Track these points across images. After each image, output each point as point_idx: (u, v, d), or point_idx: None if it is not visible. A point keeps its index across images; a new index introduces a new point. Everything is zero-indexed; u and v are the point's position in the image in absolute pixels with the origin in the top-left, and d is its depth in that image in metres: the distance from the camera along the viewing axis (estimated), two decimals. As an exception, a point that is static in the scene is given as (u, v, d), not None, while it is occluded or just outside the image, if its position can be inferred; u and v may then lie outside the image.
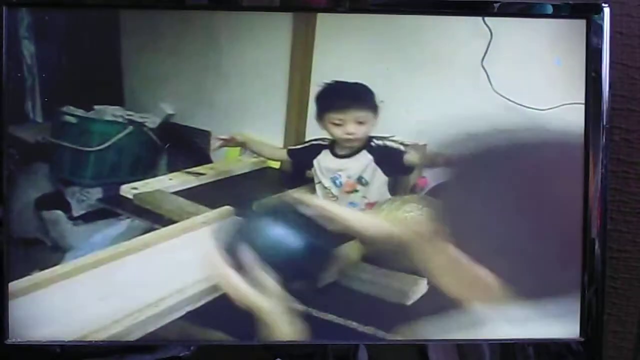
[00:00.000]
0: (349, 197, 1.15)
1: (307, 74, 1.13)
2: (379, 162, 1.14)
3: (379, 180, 1.15)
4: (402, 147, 1.13)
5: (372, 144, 1.14)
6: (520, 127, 1.06)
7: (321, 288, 1.07)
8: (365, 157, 1.15)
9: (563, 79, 1.06)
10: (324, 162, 1.16)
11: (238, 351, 1.05)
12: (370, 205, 1.14)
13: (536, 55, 1.07)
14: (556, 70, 1.06)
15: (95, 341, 1.01)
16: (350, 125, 1.13)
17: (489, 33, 1.06)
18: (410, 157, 1.13)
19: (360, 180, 1.15)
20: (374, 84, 1.09)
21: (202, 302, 1.04)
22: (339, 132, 1.13)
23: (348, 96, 1.11)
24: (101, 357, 1.02)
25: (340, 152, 1.15)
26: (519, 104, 1.07)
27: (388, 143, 1.14)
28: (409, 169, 1.13)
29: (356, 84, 1.09)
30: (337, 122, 1.13)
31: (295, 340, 1.03)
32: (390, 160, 1.14)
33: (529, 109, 1.07)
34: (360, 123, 1.13)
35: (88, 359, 1.02)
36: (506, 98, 1.07)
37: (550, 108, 1.06)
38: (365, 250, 1.10)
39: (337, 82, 1.10)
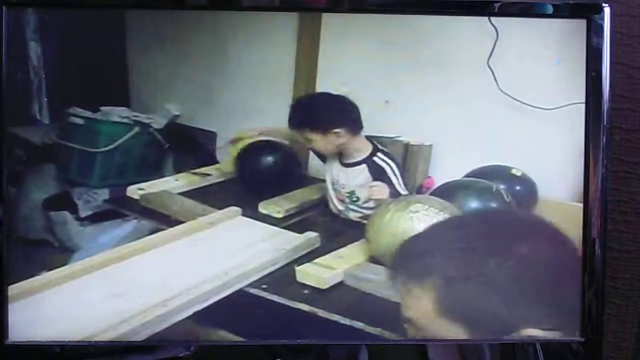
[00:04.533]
0: (342, 204, 1.16)
1: (312, 74, 1.13)
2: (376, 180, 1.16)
3: (371, 200, 1.16)
4: (397, 174, 1.15)
5: (375, 159, 1.15)
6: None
7: (327, 288, 1.08)
8: (364, 174, 1.15)
9: (569, 78, 1.06)
10: (329, 165, 1.17)
11: (238, 351, 1.05)
12: (364, 218, 1.15)
13: (542, 55, 1.08)
14: (561, 70, 1.07)
15: (96, 341, 1.01)
16: (305, 141, 1.14)
17: (495, 32, 1.06)
18: (402, 189, 1.15)
19: (351, 195, 1.16)
20: (379, 84, 1.10)
21: (210, 302, 1.04)
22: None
23: (295, 114, 1.11)
24: (102, 357, 1.02)
25: (343, 160, 1.16)
26: (525, 104, 1.08)
27: (386, 166, 1.15)
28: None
29: (312, 99, 1.12)
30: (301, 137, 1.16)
31: (295, 340, 1.05)
32: (385, 182, 1.15)
33: (535, 109, 1.08)
34: (308, 140, 1.14)
35: (88, 359, 1.03)
36: (512, 97, 1.08)
37: (556, 108, 1.07)
38: (371, 251, 1.12)
39: (300, 97, 1.12)
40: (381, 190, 1.14)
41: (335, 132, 1.12)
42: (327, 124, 1.12)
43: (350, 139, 1.13)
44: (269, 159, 1.17)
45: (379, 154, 1.15)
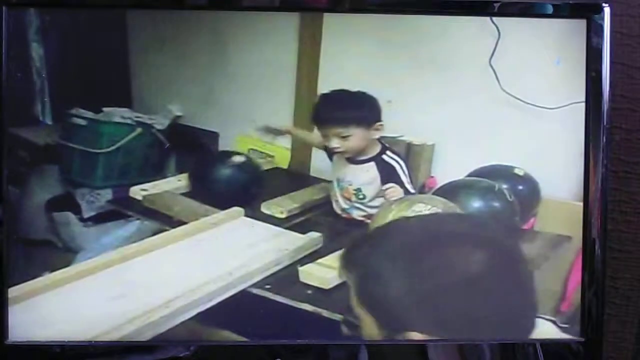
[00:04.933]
0: (347, 202, 1.16)
1: (314, 75, 1.13)
2: (384, 180, 1.15)
3: (378, 199, 1.16)
4: (405, 172, 1.15)
5: (384, 157, 1.15)
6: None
7: (330, 289, 1.07)
8: (372, 171, 1.15)
9: (571, 78, 1.06)
10: (336, 163, 1.17)
11: (238, 351, 1.06)
12: (368, 217, 1.15)
13: (543, 55, 1.08)
14: (563, 69, 1.07)
15: (95, 341, 1.01)
16: (333, 140, 1.13)
17: (497, 32, 1.07)
18: (411, 187, 1.15)
19: (357, 192, 1.16)
20: (381, 84, 1.10)
21: (213, 302, 1.04)
22: (327, 144, 1.15)
23: (330, 111, 1.12)
24: (101, 357, 1.02)
25: (353, 158, 1.16)
26: (527, 103, 1.08)
27: (396, 164, 1.15)
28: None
29: (347, 95, 1.10)
30: (323, 134, 1.14)
31: (296, 340, 1.05)
32: (396, 183, 1.15)
33: (538, 108, 1.08)
34: (344, 137, 1.13)
35: (88, 359, 1.03)
36: (514, 97, 1.08)
37: (559, 107, 1.07)
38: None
39: (325, 94, 1.11)
40: (396, 191, 1.14)
41: (377, 126, 1.12)
42: (372, 117, 1.11)
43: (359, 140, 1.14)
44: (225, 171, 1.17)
45: (387, 152, 1.15)
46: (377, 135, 1.13)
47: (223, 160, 1.15)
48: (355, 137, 1.13)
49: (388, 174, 1.15)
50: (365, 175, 1.16)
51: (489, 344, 1.04)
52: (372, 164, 1.16)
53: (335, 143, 1.14)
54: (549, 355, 1.05)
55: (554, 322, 1.06)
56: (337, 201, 1.17)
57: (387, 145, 1.15)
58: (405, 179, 1.15)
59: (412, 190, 1.14)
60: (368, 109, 1.10)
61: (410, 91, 1.11)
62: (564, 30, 1.06)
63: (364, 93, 1.08)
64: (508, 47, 1.07)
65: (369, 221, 1.13)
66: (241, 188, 1.16)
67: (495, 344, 1.04)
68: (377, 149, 1.15)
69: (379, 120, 1.11)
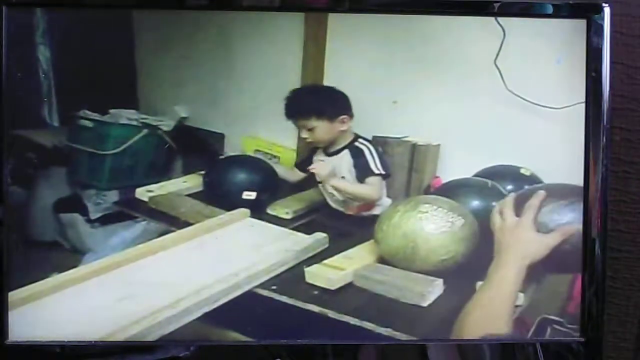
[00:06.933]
0: (339, 194, 1.17)
1: (319, 75, 1.13)
2: (355, 164, 1.17)
3: (361, 184, 1.18)
4: (373, 154, 1.16)
5: (357, 144, 1.17)
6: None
7: (337, 289, 1.08)
8: (346, 157, 1.18)
9: (575, 77, 1.06)
10: (317, 159, 1.19)
11: (238, 351, 1.06)
12: (360, 208, 1.17)
13: (547, 55, 1.08)
14: (568, 69, 1.07)
15: (95, 341, 1.01)
16: (302, 131, 1.17)
17: (502, 32, 1.07)
18: (376, 168, 1.17)
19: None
20: (387, 84, 1.11)
21: (219, 303, 1.04)
22: (300, 134, 1.18)
23: (296, 104, 1.13)
24: (101, 357, 1.03)
25: (328, 150, 1.19)
26: (532, 103, 1.09)
27: (365, 147, 1.17)
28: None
29: (313, 90, 1.14)
30: (295, 126, 1.17)
31: (295, 340, 1.05)
32: (362, 165, 1.17)
33: (543, 108, 1.09)
34: (310, 130, 1.16)
35: (88, 359, 1.03)
36: (520, 97, 1.09)
37: (564, 107, 1.07)
38: (380, 251, 1.13)
39: (295, 89, 1.13)
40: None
41: (342, 119, 1.14)
42: (336, 111, 1.14)
43: (349, 127, 1.15)
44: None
45: (359, 139, 1.17)
46: (343, 127, 1.15)
47: (229, 162, 1.16)
48: (320, 128, 1.16)
49: (357, 157, 1.17)
50: (344, 163, 1.18)
51: (489, 344, 1.05)
52: (346, 151, 1.18)
53: (304, 134, 1.17)
54: (549, 355, 1.06)
55: (560, 324, 1.07)
56: (332, 196, 1.17)
57: (359, 134, 1.16)
58: (370, 159, 1.16)
59: (376, 171, 1.16)
60: (331, 103, 1.13)
61: (415, 91, 1.12)
62: (564, 30, 1.07)
63: (332, 88, 1.11)
64: (512, 47, 1.08)
65: (364, 213, 1.16)
66: (247, 189, 1.17)
67: (495, 344, 1.05)
68: (350, 138, 1.17)
69: (344, 114, 1.13)
